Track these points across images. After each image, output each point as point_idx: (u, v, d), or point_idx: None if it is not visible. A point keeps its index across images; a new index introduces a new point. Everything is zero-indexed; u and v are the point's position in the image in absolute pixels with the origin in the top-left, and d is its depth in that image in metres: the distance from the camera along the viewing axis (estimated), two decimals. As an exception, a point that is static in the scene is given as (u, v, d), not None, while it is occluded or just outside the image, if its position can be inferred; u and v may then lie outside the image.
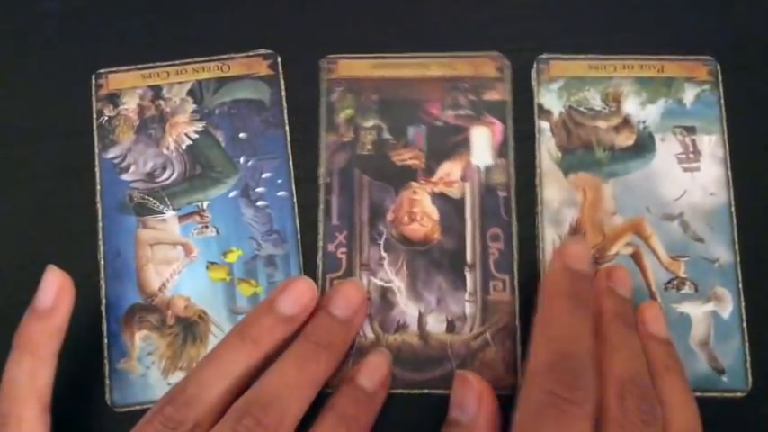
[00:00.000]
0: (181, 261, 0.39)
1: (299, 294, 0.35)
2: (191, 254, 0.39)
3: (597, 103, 0.41)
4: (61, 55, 0.43)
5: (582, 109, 0.41)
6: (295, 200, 0.40)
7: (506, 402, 0.36)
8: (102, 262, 0.39)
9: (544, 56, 0.42)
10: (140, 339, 0.38)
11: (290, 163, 0.40)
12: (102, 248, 0.39)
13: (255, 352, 0.34)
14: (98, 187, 0.40)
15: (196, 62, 0.42)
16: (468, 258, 0.39)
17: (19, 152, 0.41)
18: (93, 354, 0.38)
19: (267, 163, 0.40)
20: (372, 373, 0.35)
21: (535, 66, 0.42)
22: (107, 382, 0.38)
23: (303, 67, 0.42)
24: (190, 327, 0.38)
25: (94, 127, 0.41)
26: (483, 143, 0.40)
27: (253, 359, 0.34)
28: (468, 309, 0.38)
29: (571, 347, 0.31)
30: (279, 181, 0.40)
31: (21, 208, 0.40)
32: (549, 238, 0.39)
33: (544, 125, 0.41)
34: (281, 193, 0.40)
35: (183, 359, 0.38)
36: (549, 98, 0.41)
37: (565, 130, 0.41)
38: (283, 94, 0.41)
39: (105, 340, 0.38)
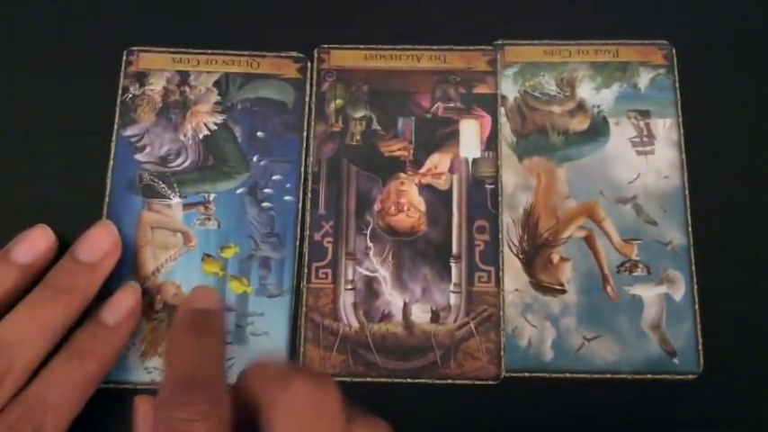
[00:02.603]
0: (178, 248, 0.37)
1: (33, 243, 0.34)
2: (189, 243, 0.37)
3: (552, 88, 0.39)
4: (91, 31, 0.40)
5: (537, 94, 0.39)
6: (300, 206, 0.38)
7: (490, 393, 0.35)
8: None
9: (499, 42, 0.39)
10: (126, 320, 0.36)
11: (302, 169, 0.38)
12: None
13: None
14: (110, 163, 0.38)
15: (227, 54, 0.40)
16: (454, 250, 0.37)
17: (37, 122, 0.39)
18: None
19: (279, 166, 0.38)
20: (115, 307, 0.33)
21: (493, 52, 0.40)
22: (86, 358, 0.36)
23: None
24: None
25: (117, 102, 0.39)
26: (472, 136, 0.38)
27: None
28: (453, 299, 0.36)
29: (188, 374, 0.30)
30: (287, 185, 0.38)
31: (34, 178, 0.38)
32: (504, 222, 0.37)
33: (499, 110, 0.39)
34: (287, 198, 0.38)
35: (164, 346, 0.36)
36: (505, 83, 0.39)
37: (519, 115, 0.38)
38: (307, 99, 0.39)
39: (93, 315, 0.36)
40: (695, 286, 0.36)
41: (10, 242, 0.34)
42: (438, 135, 0.39)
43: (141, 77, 0.40)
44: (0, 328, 0.31)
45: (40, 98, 0.40)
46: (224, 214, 0.38)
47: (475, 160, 0.38)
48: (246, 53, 0.40)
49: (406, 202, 0.38)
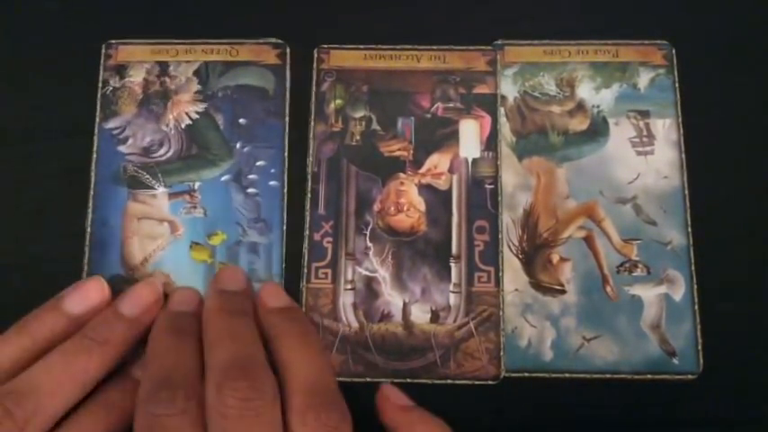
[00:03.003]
0: (166, 238, 0.37)
1: (86, 295, 0.33)
2: (176, 232, 0.37)
3: (552, 88, 0.39)
4: (69, 24, 0.40)
5: (536, 94, 0.39)
6: (285, 191, 0.38)
7: (490, 393, 0.35)
8: (88, 230, 0.37)
9: (499, 42, 0.39)
10: (117, 311, 0.36)
11: (286, 154, 0.38)
12: (89, 216, 0.37)
13: (29, 345, 0.31)
14: (94, 156, 0.38)
15: (206, 43, 0.40)
16: (454, 250, 0.37)
17: (19, 118, 0.39)
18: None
19: (263, 151, 0.38)
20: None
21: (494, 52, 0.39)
22: (80, 349, 0.35)
23: (303, 57, 0.40)
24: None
25: (98, 96, 0.39)
26: (471, 136, 0.38)
27: (25, 353, 0.31)
28: (453, 300, 0.36)
29: (166, 372, 0.30)
30: (272, 170, 0.38)
31: (19, 175, 0.38)
32: (504, 222, 0.37)
33: (499, 110, 0.38)
34: (272, 183, 0.38)
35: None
36: (504, 83, 0.38)
37: (519, 115, 0.38)
38: (287, 84, 0.39)
39: (83, 309, 0.36)
40: (695, 286, 0.36)
41: (64, 290, 0.34)
42: (438, 135, 0.38)
43: (121, 70, 0.39)
44: (32, 371, 0.30)
45: (20, 95, 0.40)
46: (210, 202, 0.38)
47: (475, 160, 0.38)
48: (225, 41, 0.40)
49: (406, 203, 0.37)
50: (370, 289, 0.36)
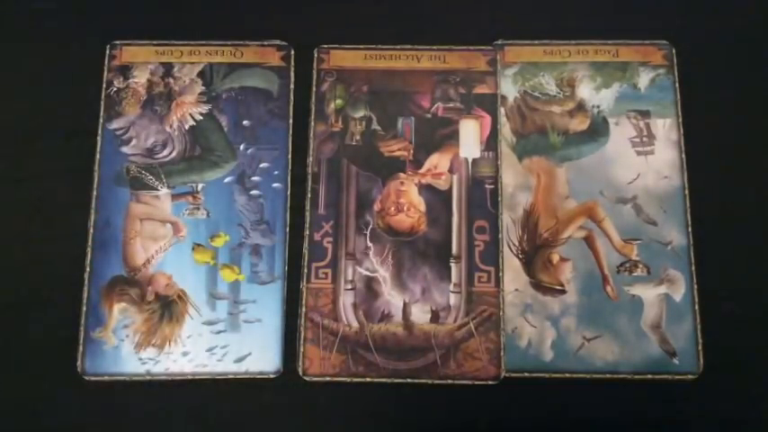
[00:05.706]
0: (168, 239, 0.37)
1: None
2: (179, 233, 0.37)
3: (552, 87, 0.38)
4: (73, 25, 0.40)
5: (536, 94, 0.38)
6: (288, 193, 0.37)
7: (490, 393, 0.35)
8: (91, 230, 0.37)
9: (499, 42, 0.39)
10: (118, 311, 0.36)
11: (289, 156, 0.38)
12: (92, 217, 0.37)
13: None
14: (97, 156, 0.38)
15: (210, 45, 0.40)
16: (454, 250, 0.36)
17: (22, 118, 0.39)
18: (68, 322, 0.36)
19: (267, 153, 0.38)
20: None
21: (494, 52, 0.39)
22: (80, 349, 0.36)
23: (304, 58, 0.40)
24: (168, 305, 0.36)
25: (102, 96, 0.39)
26: (471, 136, 0.38)
27: None
28: (453, 300, 0.36)
29: None
30: (276, 172, 0.38)
31: (19, 172, 0.38)
32: (504, 222, 0.36)
33: (499, 110, 0.38)
34: (276, 185, 0.38)
35: (158, 336, 0.36)
36: (504, 83, 0.38)
37: (519, 115, 0.38)
38: (292, 86, 0.39)
39: (84, 308, 0.36)
40: (695, 286, 0.36)
41: None
42: (438, 135, 0.38)
43: (125, 71, 0.39)
44: None
45: (23, 95, 0.39)
46: (213, 203, 0.38)
47: (475, 160, 0.38)
48: (230, 43, 0.40)
49: (406, 203, 0.37)
50: (370, 289, 0.36)
